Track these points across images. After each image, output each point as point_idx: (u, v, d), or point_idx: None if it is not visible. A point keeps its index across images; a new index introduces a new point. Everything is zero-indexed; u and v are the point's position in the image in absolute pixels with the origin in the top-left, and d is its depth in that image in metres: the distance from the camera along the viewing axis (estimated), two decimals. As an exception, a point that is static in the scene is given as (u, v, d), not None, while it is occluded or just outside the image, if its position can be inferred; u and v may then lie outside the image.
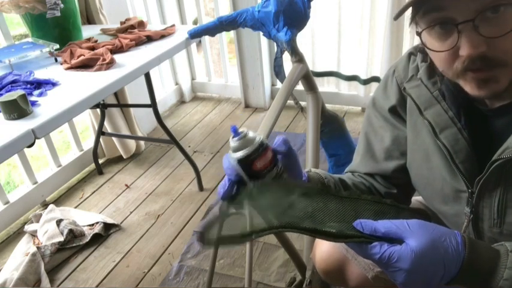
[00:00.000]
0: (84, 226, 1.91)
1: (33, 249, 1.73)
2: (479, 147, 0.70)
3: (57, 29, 1.65)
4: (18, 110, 1.16)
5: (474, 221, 0.72)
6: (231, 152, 0.65)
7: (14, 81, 1.35)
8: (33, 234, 1.88)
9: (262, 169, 0.64)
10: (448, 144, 0.71)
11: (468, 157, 0.70)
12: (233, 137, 0.64)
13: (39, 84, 1.36)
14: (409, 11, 0.66)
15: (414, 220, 0.59)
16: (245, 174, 0.64)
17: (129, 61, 1.52)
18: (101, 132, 2.22)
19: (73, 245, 1.82)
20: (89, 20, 2.09)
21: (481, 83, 0.63)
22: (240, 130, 0.65)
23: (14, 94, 1.16)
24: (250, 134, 0.65)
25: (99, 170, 2.35)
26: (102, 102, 2.07)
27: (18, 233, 1.96)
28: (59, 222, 1.86)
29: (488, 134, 0.70)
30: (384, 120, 0.85)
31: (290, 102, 1.60)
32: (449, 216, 0.79)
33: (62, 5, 1.60)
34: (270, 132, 1.26)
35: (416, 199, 1.00)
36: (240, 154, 0.64)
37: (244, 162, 0.64)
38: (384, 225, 0.58)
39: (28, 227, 1.92)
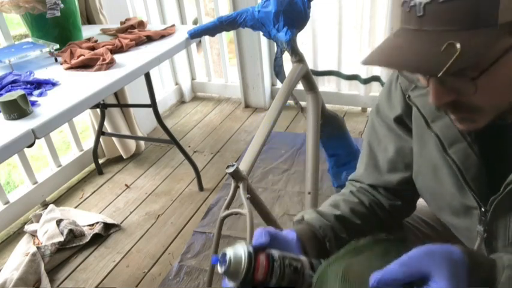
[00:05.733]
0: (84, 226, 1.91)
1: (33, 249, 1.73)
2: (491, 162, 0.66)
3: (57, 29, 1.65)
4: (18, 110, 1.16)
5: (487, 239, 0.70)
6: (227, 280, 0.61)
7: (14, 81, 1.35)
8: (33, 234, 1.88)
9: (265, 277, 0.60)
10: (457, 160, 0.68)
11: (479, 174, 0.67)
12: (221, 267, 0.59)
13: (39, 84, 1.36)
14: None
15: (421, 251, 0.54)
16: None
17: (129, 61, 1.52)
18: (101, 132, 2.21)
19: (73, 245, 1.82)
20: (89, 20, 2.09)
21: (459, 120, 0.62)
22: (221, 253, 0.60)
23: (14, 94, 1.16)
24: (234, 255, 0.59)
25: (99, 170, 2.35)
26: (102, 102, 2.07)
27: (18, 233, 1.96)
28: (59, 222, 1.86)
29: (501, 148, 0.67)
30: (387, 129, 0.81)
31: (290, 102, 1.60)
32: (461, 229, 0.76)
33: (62, 5, 1.60)
34: (270, 132, 1.27)
35: (424, 204, 0.96)
36: (236, 283, 0.59)
37: (246, 285, 0.60)
38: (399, 273, 0.54)
39: (28, 227, 1.92)
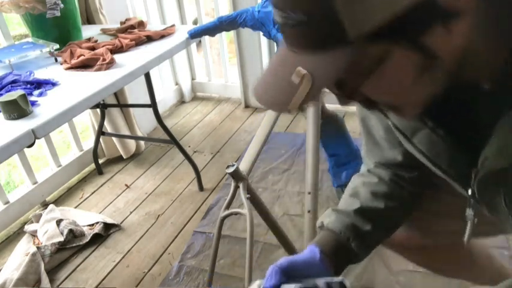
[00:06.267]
0: (84, 226, 1.91)
1: (33, 249, 1.73)
2: (467, 138, 0.59)
3: (57, 29, 1.65)
4: (18, 110, 1.16)
5: (490, 210, 0.64)
6: None
7: (14, 81, 1.35)
8: (33, 234, 1.88)
9: None
10: (423, 149, 0.63)
11: (452, 159, 0.62)
12: None
13: (39, 84, 1.36)
14: None
15: None
16: None
17: (129, 61, 1.52)
18: (101, 132, 2.22)
19: (73, 245, 1.82)
20: (89, 20, 2.09)
21: (389, 112, 0.58)
22: None
23: (14, 94, 1.16)
24: None
25: (99, 170, 2.35)
26: (102, 102, 2.07)
27: (18, 233, 1.96)
28: (59, 222, 1.86)
29: (474, 120, 0.58)
30: None
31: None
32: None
33: (62, 5, 1.60)
34: (270, 132, 1.27)
35: None
36: None
37: None
38: None
39: (28, 227, 1.92)
